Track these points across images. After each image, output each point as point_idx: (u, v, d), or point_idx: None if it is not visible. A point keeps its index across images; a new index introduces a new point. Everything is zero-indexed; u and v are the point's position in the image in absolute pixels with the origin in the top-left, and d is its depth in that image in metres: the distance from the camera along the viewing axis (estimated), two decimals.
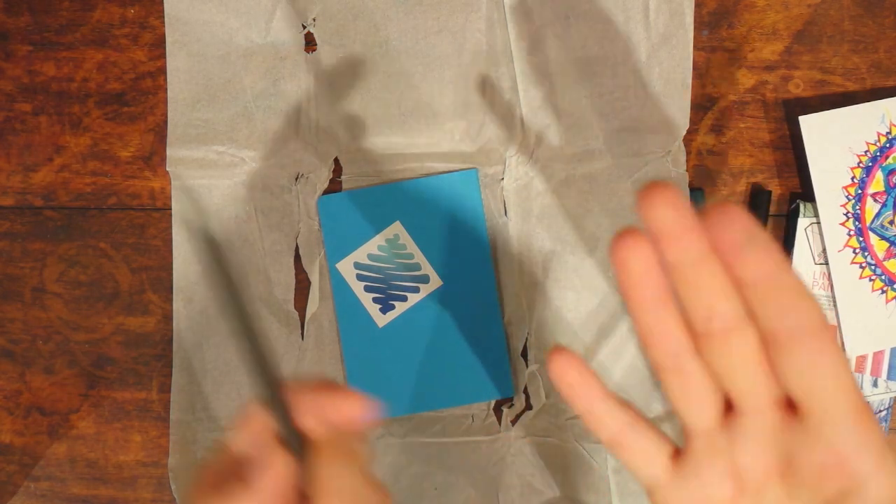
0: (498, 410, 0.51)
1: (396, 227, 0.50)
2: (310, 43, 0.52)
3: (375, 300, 0.51)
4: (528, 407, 0.51)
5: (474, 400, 0.51)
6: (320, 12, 0.52)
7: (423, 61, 0.52)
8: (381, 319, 0.51)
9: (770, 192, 0.51)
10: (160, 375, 0.53)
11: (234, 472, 0.28)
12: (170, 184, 0.52)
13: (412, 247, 0.50)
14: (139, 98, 0.53)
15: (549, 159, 0.51)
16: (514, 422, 0.51)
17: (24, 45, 0.54)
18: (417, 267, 0.51)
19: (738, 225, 0.21)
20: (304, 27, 0.52)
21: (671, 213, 0.21)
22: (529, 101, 0.51)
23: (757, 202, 0.51)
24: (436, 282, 0.51)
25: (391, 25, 0.52)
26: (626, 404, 0.27)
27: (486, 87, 0.51)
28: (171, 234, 0.52)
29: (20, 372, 0.54)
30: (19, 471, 0.53)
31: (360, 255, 0.50)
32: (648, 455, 0.26)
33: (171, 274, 0.52)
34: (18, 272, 0.54)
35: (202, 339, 0.52)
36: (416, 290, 0.50)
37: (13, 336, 0.54)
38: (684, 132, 0.51)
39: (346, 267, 0.51)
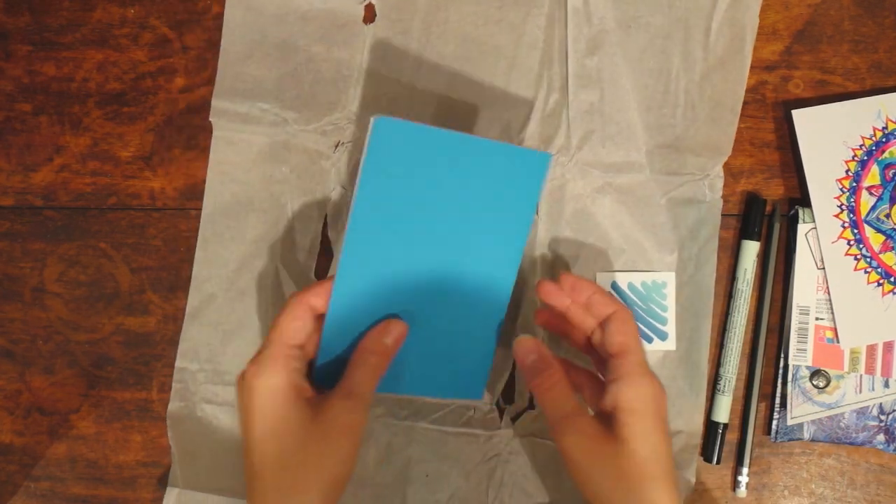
0: (501, 407, 0.51)
1: None
2: (369, 14, 0.52)
3: None
4: (530, 406, 0.51)
5: (442, 395, 0.48)
6: None
7: (478, 48, 0.51)
8: None
9: (765, 202, 0.51)
10: (160, 375, 0.53)
11: None
12: (171, 183, 0.53)
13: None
14: (139, 98, 0.53)
15: (587, 164, 0.51)
16: (514, 420, 0.51)
17: (24, 45, 0.54)
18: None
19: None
20: None
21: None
22: (578, 105, 0.51)
23: (752, 210, 0.51)
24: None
25: (452, 7, 0.51)
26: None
27: (537, 84, 0.51)
28: (171, 234, 0.52)
29: (20, 372, 0.53)
30: (19, 471, 0.53)
31: None
32: None
33: (170, 274, 0.52)
34: (18, 272, 0.54)
35: (219, 291, 0.52)
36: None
37: (13, 336, 0.54)
38: (726, 158, 0.50)
39: None
